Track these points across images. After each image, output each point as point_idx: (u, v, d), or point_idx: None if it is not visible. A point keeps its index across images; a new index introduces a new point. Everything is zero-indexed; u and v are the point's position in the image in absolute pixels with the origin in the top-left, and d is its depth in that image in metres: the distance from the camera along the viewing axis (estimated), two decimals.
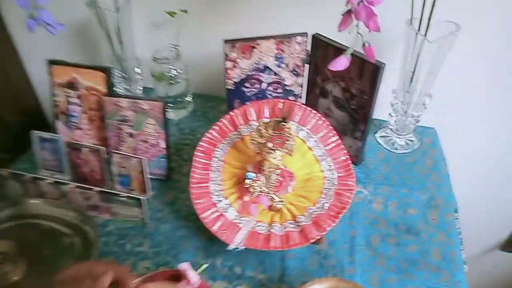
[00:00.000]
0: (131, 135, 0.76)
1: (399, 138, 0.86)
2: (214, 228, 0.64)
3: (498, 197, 1.02)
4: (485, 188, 1.01)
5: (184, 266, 0.58)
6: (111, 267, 0.46)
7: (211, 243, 0.67)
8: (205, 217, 0.65)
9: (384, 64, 0.67)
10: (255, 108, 0.70)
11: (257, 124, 0.66)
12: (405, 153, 0.85)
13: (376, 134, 0.89)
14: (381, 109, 0.83)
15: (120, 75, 0.91)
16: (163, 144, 0.75)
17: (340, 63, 0.59)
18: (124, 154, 0.72)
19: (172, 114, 0.91)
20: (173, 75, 0.87)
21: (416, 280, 0.62)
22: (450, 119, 0.89)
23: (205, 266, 0.61)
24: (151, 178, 0.76)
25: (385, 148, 0.86)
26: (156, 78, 0.87)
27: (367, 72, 0.69)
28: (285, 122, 0.62)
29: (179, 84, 0.89)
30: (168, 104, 0.89)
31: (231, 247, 0.62)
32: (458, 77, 0.83)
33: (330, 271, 0.63)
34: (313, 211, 0.64)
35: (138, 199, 0.67)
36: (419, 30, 0.70)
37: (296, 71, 0.80)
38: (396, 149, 0.86)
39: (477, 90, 0.86)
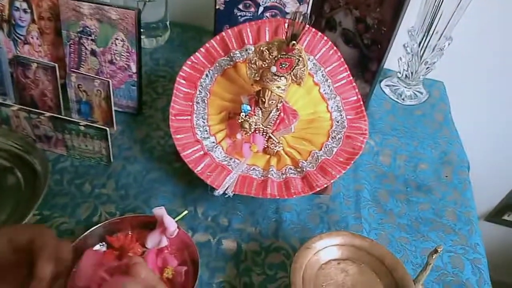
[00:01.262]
0: (94, 52, 0.60)
1: (407, 88, 0.76)
2: (198, 169, 0.51)
3: (490, 167, 0.96)
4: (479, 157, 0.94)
5: (160, 212, 0.46)
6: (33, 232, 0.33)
7: (190, 188, 0.55)
8: (187, 155, 0.52)
9: None
10: (253, 29, 0.57)
11: (255, 48, 0.53)
12: (413, 105, 0.76)
13: (381, 83, 0.79)
14: (391, 55, 0.72)
15: None
16: (133, 68, 0.61)
17: None
18: (85, 74, 0.57)
19: (145, 42, 0.76)
20: None
21: (429, 241, 0.54)
22: (463, 74, 0.80)
23: (185, 213, 0.50)
24: (118, 110, 0.62)
25: (391, 99, 0.76)
26: None
27: None
28: (295, 42, 0.49)
29: (157, 6, 0.73)
30: (141, 30, 0.73)
31: (218, 192, 0.50)
32: (474, 28, 0.73)
33: (333, 228, 0.54)
34: (319, 156, 0.53)
35: (102, 129, 0.53)
36: None
37: None
38: (403, 100, 0.76)
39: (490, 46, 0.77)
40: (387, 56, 0.63)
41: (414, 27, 0.70)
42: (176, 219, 0.47)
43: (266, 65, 0.50)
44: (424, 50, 0.70)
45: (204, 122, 0.55)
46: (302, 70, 0.50)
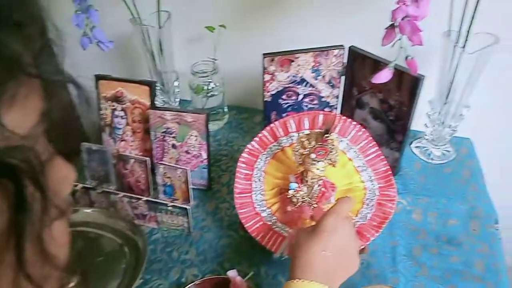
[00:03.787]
0: (174, 146, 0.78)
1: (435, 148, 0.87)
2: (259, 237, 0.65)
3: None
4: None
5: (233, 274, 0.60)
6: None
7: (254, 252, 0.69)
8: (250, 226, 0.67)
9: (424, 76, 0.68)
10: (295, 120, 0.72)
11: (297, 135, 0.68)
12: (442, 163, 0.85)
13: (411, 145, 0.90)
14: (417, 120, 0.84)
15: (158, 88, 0.94)
16: (204, 155, 0.78)
17: (383, 76, 0.61)
18: (169, 165, 0.75)
19: (209, 126, 0.94)
20: (210, 88, 0.89)
21: None
22: (486, 130, 0.89)
23: (251, 273, 0.63)
24: (193, 188, 0.79)
25: (421, 159, 0.86)
26: (194, 90, 0.90)
27: (406, 83, 0.71)
28: (328, 134, 0.63)
29: (216, 97, 0.92)
30: None
31: (276, 255, 0.64)
32: (495, 88, 0.83)
33: (374, 281, 0.64)
34: (356, 221, 0.65)
35: (184, 208, 0.70)
36: (457, 42, 0.71)
37: (332, 83, 0.81)
38: (432, 159, 0.86)
39: None
40: (409, 129, 0.75)
41: (433, 99, 0.81)
42: (245, 278, 0.61)
43: (307, 152, 0.65)
44: (445, 118, 0.81)
45: (261, 197, 0.70)
46: (336, 156, 0.63)
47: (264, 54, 0.77)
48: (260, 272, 0.66)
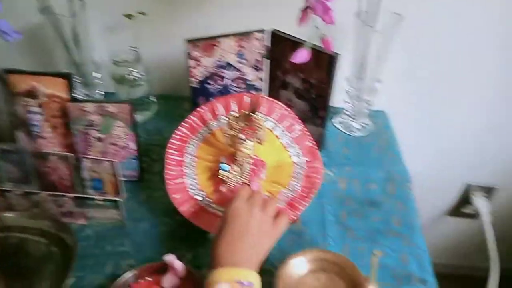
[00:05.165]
0: (99, 139, 0.76)
1: (355, 122, 0.93)
2: (194, 219, 0.66)
3: (445, 170, 1.13)
4: (434, 162, 1.12)
5: (169, 258, 0.61)
6: None
7: (191, 235, 0.69)
8: (184, 210, 0.67)
9: (339, 54, 0.73)
10: (222, 103, 0.74)
11: (226, 118, 0.69)
12: (362, 136, 0.92)
13: (334, 120, 0.96)
14: (338, 97, 0.90)
15: (78, 80, 0.90)
16: (133, 146, 0.76)
17: (301, 56, 0.64)
18: (95, 158, 0.72)
19: (137, 116, 0.91)
20: (134, 78, 0.87)
21: (382, 246, 0.69)
22: (399, 102, 0.98)
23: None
24: (124, 180, 0.77)
25: (343, 133, 0.93)
26: (117, 81, 0.87)
27: (323, 62, 0.75)
28: (254, 114, 0.65)
29: (141, 86, 0.90)
30: None
31: (213, 234, 0.65)
32: (404, 63, 0.92)
33: (307, 247, 0.68)
34: (286, 194, 0.69)
35: (115, 201, 0.68)
36: (366, 21, 0.77)
37: (257, 66, 0.84)
38: (353, 132, 0.93)
39: (421, 75, 0.95)
40: (329, 104, 0.80)
41: (349, 76, 0.87)
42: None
43: (236, 133, 0.66)
44: (361, 92, 0.88)
45: (194, 181, 0.71)
46: (263, 134, 0.66)
47: (187, 40, 0.76)
48: (198, 253, 0.67)
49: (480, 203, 1.15)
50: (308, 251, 0.61)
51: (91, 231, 0.70)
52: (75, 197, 0.68)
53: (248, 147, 0.66)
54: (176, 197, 0.68)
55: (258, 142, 0.67)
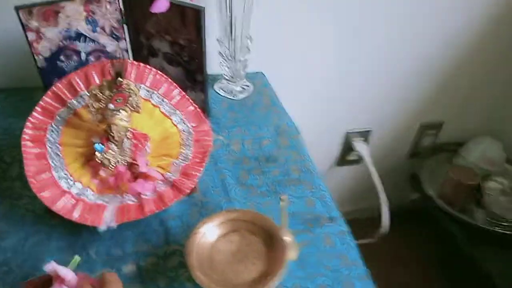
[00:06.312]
0: None
1: (235, 85, 0.90)
2: (75, 216, 0.55)
3: (325, 122, 1.19)
4: (315, 117, 1.16)
5: (50, 266, 0.49)
6: None
7: (75, 237, 0.58)
8: (60, 208, 0.55)
9: (203, 7, 0.67)
10: (81, 77, 0.62)
11: (89, 93, 0.58)
12: (245, 97, 0.90)
13: (215, 87, 0.91)
14: (213, 62, 0.85)
15: None
16: None
17: (161, 5, 0.57)
18: None
19: None
20: None
21: (287, 196, 0.68)
22: (273, 61, 0.98)
23: (76, 257, 0.53)
24: None
25: (226, 98, 0.89)
26: None
27: (189, 19, 0.69)
28: (121, 78, 0.56)
29: None
30: None
31: (102, 228, 0.55)
32: (272, 18, 0.92)
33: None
34: (178, 164, 0.62)
35: None
36: None
37: (115, 35, 0.74)
38: (235, 95, 0.90)
39: (290, 29, 0.96)
40: (205, 65, 0.74)
41: (221, 36, 0.83)
42: (69, 266, 0.50)
43: (104, 104, 0.56)
44: (235, 52, 0.84)
45: (65, 173, 0.59)
46: (136, 100, 0.57)
47: (16, 7, 0.62)
48: (90, 255, 0.56)
49: (360, 146, 1.25)
50: (213, 215, 0.56)
51: None
52: None
53: (123, 118, 0.57)
54: (45, 195, 0.55)
55: (134, 110, 0.58)
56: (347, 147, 1.28)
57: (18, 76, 0.81)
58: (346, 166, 1.33)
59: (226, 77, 0.90)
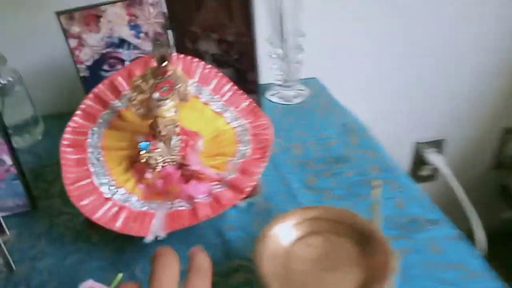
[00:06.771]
0: None
1: (289, 90, 0.82)
2: (118, 225, 0.46)
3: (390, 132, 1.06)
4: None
5: (87, 285, 0.39)
6: None
7: (118, 253, 0.48)
8: (100, 218, 0.46)
9: None
10: (124, 76, 0.56)
11: (131, 86, 0.52)
12: (300, 102, 0.81)
13: (267, 96, 0.83)
14: (263, 74, 0.78)
15: None
16: (8, 160, 0.54)
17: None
18: None
19: (18, 140, 0.70)
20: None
21: (369, 198, 0.55)
22: (328, 65, 0.90)
23: (119, 276, 0.43)
24: (6, 215, 0.54)
25: (280, 104, 0.80)
26: None
27: (236, 9, 0.63)
28: (166, 63, 0.49)
29: (20, 105, 0.69)
30: (11, 130, 0.67)
31: (148, 239, 0.45)
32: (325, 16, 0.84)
33: None
34: (235, 162, 0.52)
35: None
36: None
37: (160, 41, 0.69)
38: (289, 101, 0.81)
39: (345, 30, 0.88)
40: (257, 61, 0.67)
41: (271, 35, 0.76)
42: (113, 285, 0.41)
43: (148, 95, 0.49)
44: (287, 52, 0.77)
45: (107, 179, 0.51)
46: (184, 87, 0.50)
47: (57, 12, 0.59)
48: (135, 272, 0.46)
49: (434, 158, 1.09)
50: (286, 214, 0.44)
51: None
52: None
53: (169, 109, 0.49)
54: (84, 204, 0.47)
55: (182, 100, 0.50)
56: (419, 161, 1.12)
57: (67, 102, 0.78)
58: (421, 183, 1.16)
59: (279, 83, 0.82)
